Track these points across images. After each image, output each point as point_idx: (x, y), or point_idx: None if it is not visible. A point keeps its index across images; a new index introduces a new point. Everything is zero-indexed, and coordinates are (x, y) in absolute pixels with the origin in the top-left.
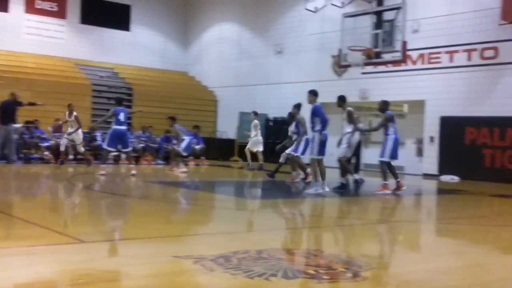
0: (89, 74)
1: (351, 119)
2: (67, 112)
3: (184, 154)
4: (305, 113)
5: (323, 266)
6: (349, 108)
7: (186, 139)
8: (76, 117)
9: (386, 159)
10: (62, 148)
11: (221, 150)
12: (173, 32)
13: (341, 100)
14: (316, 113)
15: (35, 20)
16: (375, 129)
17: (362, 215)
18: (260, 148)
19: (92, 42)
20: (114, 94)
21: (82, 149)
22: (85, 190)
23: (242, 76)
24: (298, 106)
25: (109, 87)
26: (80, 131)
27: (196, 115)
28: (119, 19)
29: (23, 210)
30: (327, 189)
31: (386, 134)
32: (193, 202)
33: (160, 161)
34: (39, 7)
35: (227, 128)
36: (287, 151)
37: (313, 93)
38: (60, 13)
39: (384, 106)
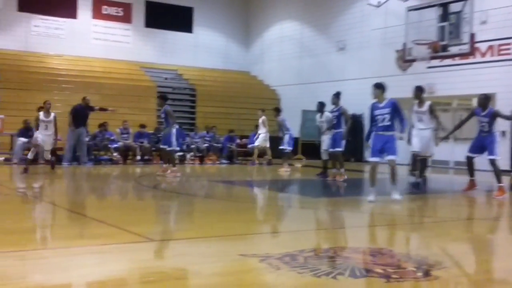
0: (154, 77)
1: (434, 113)
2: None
3: (289, 149)
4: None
5: (392, 265)
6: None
7: (288, 133)
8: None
9: (498, 157)
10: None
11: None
12: (235, 32)
13: (420, 91)
14: (398, 109)
15: (102, 25)
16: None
17: (432, 213)
18: (268, 144)
19: (156, 45)
20: (178, 95)
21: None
22: (152, 189)
23: (304, 74)
24: (337, 95)
25: (173, 89)
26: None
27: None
28: (182, 21)
29: (95, 210)
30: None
31: (491, 131)
32: (257, 200)
33: (224, 160)
34: (105, 12)
35: (290, 127)
36: (325, 147)
37: (381, 87)
38: (126, 18)
39: (486, 101)
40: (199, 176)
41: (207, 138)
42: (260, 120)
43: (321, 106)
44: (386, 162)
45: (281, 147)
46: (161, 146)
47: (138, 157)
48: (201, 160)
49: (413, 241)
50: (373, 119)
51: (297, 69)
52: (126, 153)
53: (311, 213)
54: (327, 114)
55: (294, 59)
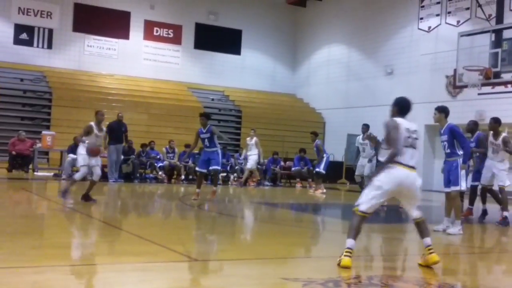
0: (201, 97)
1: (508, 145)
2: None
3: (323, 172)
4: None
5: None
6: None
7: (325, 156)
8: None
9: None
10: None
11: (328, 172)
12: (282, 55)
13: (497, 122)
14: (457, 134)
15: (153, 46)
16: None
17: (480, 244)
18: (255, 166)
19: (204, 66)
20: (224, 116)
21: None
22: (196, 209)
23: (350, 97)
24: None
25: (219, 110)
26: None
27: (303, 137)
28: (230, 43)
29: (139, 227)
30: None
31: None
32: (300, 224)
33: (267, 183)
34: (156, 34)
35: (334, 150)
36: (367, 172)
37: (443, 111)
38: (176, 39)
39: (475, 127)
40: (241, 197)
41: None
42: (253, 141)
43: (366, 128)
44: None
45: (316, 170)
46: (212, 168)
47: (183, 177)
48: (245, 182)
49: (460, 272)
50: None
51: (343, 93)
52: (171, 172)
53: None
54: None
55: (341, 82)
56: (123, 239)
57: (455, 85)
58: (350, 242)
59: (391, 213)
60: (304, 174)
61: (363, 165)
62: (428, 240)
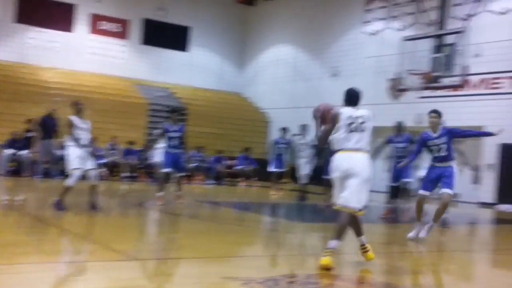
0: (147, 94)
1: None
2: None
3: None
4: None
5: None
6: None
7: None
8: None
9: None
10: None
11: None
12: (230, 53)
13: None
14: (458, 130)
15: (98, 40)
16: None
17: (411, 243)
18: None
19: (151, 62)
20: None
21: None
22: (136, 207)
23: (296, 98)
24: None
25: (165, 106)
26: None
27: (248, 136)
28: (178, 40)
29: (77, 225)
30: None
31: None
32: (242, 223)
33: (210, 181)
34: (103, 28)
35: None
36: (307, 171)
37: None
38: (123, 34)
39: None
40: (185, 196)
41: (197, 158)
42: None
43: (304, 129)
44: (438, 196)
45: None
46: (182, 171)
47: (125, 174)
48: (188, 179)
49: (396, 271)
50: (420, 150)
51: (289, 93)
52: (112, 169)
53: (297, 238)
54: (310, 138)
55: (287, 82)
56: (60, 237)
57: (397, 88)
58: (333, 243)
59: (330, 212)
60: (248, 172)
61: (302, 165)
62: (363, 239)
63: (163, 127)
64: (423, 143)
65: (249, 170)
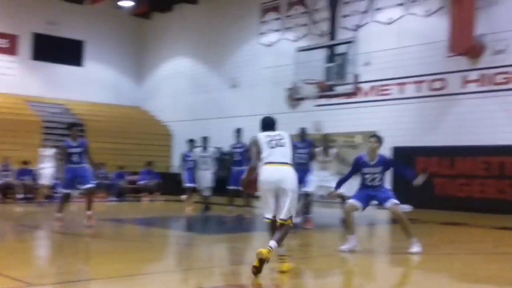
0: (40, 111)
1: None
2: None
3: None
4: None
5: None
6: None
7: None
8: None
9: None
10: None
11: (176, 185)
12: (127, 67)
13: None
14: (393, 163)
15: None
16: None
17: (315, 248)
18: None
19: (44, 78)
20: (66, 131)
21: None
22: (33, 230)
23: (197, 110)
24: (239, 131)
25: (60, 124)
26: None
27: (150, 150)
28: (71, 54)
29: None
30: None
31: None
32: (147, 239)
33: (112, 198)
34: None
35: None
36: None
37: (381, 141)
38: (11, 50)
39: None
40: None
41: (99, 175)
42: (49, 152)
43: (205, 141)
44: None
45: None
46: (88, 186)
47: (20, 195)
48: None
49: (305, 275)
50: (351, 175)
51: (190, 105)
52: (5, 191)
53: (203, 250)
54: (211, 150)
55: (187, 95)
56: None
57: (294, 98)
58: (272, 242)
59: (235, 223)
60: (151, 187)
61: (204, 177)
62: (281, 249)
63: (63, 145)
64: (357, 168)
65: (152, 184)
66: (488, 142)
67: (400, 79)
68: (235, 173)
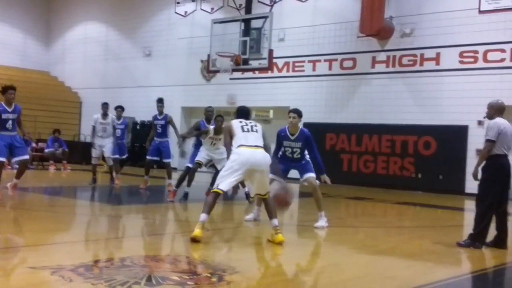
0: None
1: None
2: None
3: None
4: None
5: (188, 271)
6: None
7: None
8: None
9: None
10: None
11: (85, 154)
12: (35, 29)
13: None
14: (312, 141)
15: None
16: None
17: (226, 220)
18: None
19: None
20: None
21: None
22: None
23: (109, 78)
24: (162, 101)
25: None
26: None
27: (58, 117)
28: None
29: None
30: None
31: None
32: (52, 208)
33: (17, 165)
34: None
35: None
36: (109, 153)
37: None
38: None
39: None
40: None
41: None
42: None
43: (106, 107)
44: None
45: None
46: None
47: None
48: None
49: (209, 247)
50: (279, 145)
51: (101, 73)
52: None
53: (111, 221)
54: (112, 117)
55: (99, 62)
56: None
57: (208, 70)
58: (203, 216)
59: (149, 194)
60: (58, 155)
61: (103, 145)
62: (275, 221)
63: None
64: (279, 141)
65: (59, 153)
66: (393, 121)
67: (313, 56)
68: (156, 145)
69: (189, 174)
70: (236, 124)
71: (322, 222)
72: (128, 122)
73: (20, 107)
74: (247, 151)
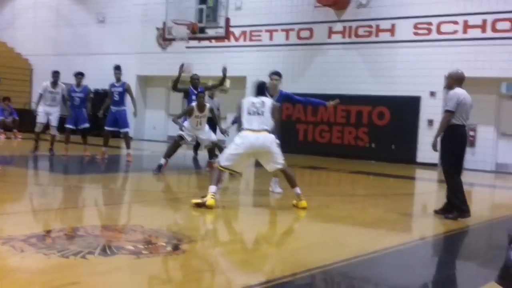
0: None
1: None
2: None
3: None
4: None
5: (143, 241)
6: None
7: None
8: None
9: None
10: None
11: (35, 122)
12: None
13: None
14: (294, 97)
15: None
16: None
17: (181, 190)
18: None
19: None
20: None
21: None
22: None
23: (61, 44)
24: (119, 68)
25: None
26: None
27: (8, 85)
28: None
29: None
30: None
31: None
32: (3, 178)
33: None
34: None
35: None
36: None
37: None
38: None
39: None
40: None
41: None
42: None
43: (56, 76)
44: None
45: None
46: None
47: None
48: None
49: (165, 217)
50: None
51: (53, 39)
52: None
53: (61, 190)
54: (62, 86)
55: (50, 28)
56: None
57: (164, 38)
58: (213, 188)
59: (107, 164)
60: (8, 124)
61: (50, 113)
62: (297, 190)
63: None
64: None
65: (9, 121)
66: (348, 91)
67: (270, 25)
68: (113, 114)
69: (170, 147)
70: (245, 104)
71: (277, 188)
72: (65, 88)
73: None
74: (252, 136)
